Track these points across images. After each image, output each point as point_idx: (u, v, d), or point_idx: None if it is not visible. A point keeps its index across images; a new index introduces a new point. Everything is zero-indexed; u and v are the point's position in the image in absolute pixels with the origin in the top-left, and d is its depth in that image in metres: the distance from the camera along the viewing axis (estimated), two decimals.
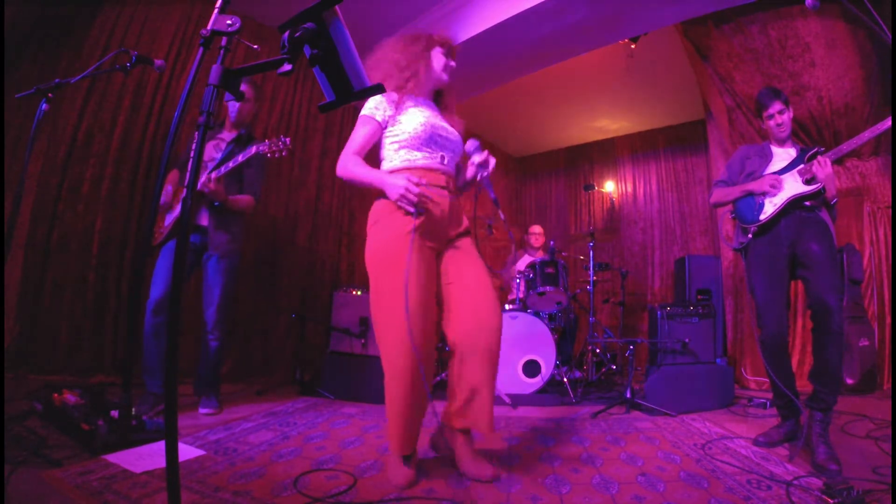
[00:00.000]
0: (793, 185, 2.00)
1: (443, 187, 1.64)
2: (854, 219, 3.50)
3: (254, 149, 2.18)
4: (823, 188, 1.93)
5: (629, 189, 6.13)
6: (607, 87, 4.98)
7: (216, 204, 2.33)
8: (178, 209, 2.36)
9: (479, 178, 1.67)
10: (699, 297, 3.62)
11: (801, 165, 2.00)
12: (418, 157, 1.63)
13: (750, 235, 2.08)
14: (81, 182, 2.93)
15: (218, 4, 0.93)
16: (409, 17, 3.84)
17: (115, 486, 1.34)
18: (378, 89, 1.03)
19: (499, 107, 5.28)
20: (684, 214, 5.62)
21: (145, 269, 2.47)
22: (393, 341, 1.49)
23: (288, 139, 2.17)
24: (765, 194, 2.05)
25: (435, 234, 1.62)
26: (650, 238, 5.82)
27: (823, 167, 1.89)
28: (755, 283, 2.03)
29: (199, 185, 2.20)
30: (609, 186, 6.18)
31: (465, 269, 1.65)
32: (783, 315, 1.97)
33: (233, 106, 2.49)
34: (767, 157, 2.14)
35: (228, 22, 0.90)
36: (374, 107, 1.64)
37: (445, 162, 1.68)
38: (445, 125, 1.71)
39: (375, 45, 1.74)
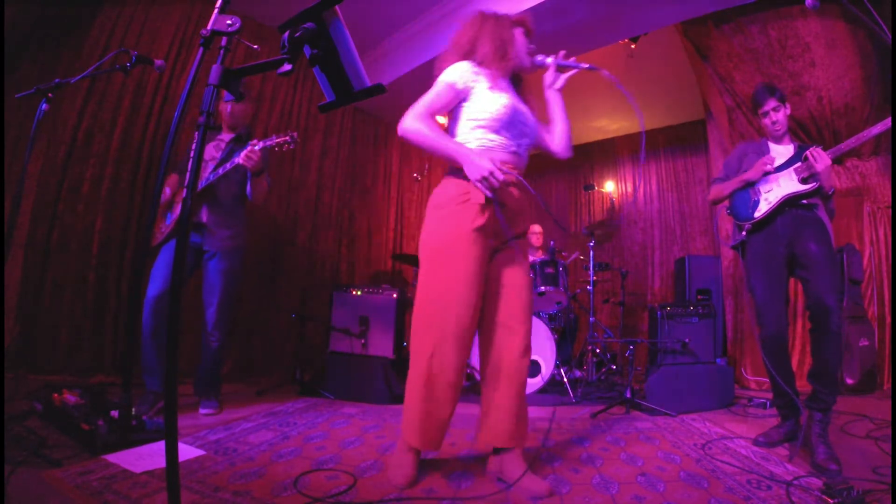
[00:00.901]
0: (788, 184, 1.99)
1: (515, 182, 1.55)
2: (854, 219, 3.50)
3: (260, 144, 2.18)
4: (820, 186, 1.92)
5: (629, 189, 6.13)
6: (607, 87, 4.97)
7: (249, 175, 2.32)
8: (178, 209, 2.36)
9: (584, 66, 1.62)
10: (699, 297, 3.62)
11: (798, 164, 1.98)
12: (495, 141, 1.52)
13: (744, 233, 2.08)
14: (81, 182, 2.94)
15: (218, 4, 0.93)
16: (409, 17, 3.84)
17: (115, 486, 1.34)
18: (378, 89, 1.03)
19: None
20: (684, 214, 5.62)
21: (145, 269, 2.47)
22: (437, 338, 1.44)
23: (295, 133, 2.17)
24: (765, 175, 2.04)
25: (499, 233, 1.55)
26: (650, 238, 5.82)
27: (821, 160, 1.87)
28: (754, 283, 2.03)
29: (240, 158, 2.19)
30: (609, 186, 6.18)
31: (513, 280, 1.58)
32: (783, 313, 1.98)
33: (225, 108, 2.47)
34: (766, 152, 2.12)
35: (228, 22, 0.90)
36: (459, 75, 1.52)
37: (522, 151, 1.59)
38: (525, 111, 1.62)
39: (461, 20, 1.67)
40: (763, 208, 2.02)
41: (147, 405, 2.19)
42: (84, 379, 2.70)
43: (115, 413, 1.73)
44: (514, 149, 1.56)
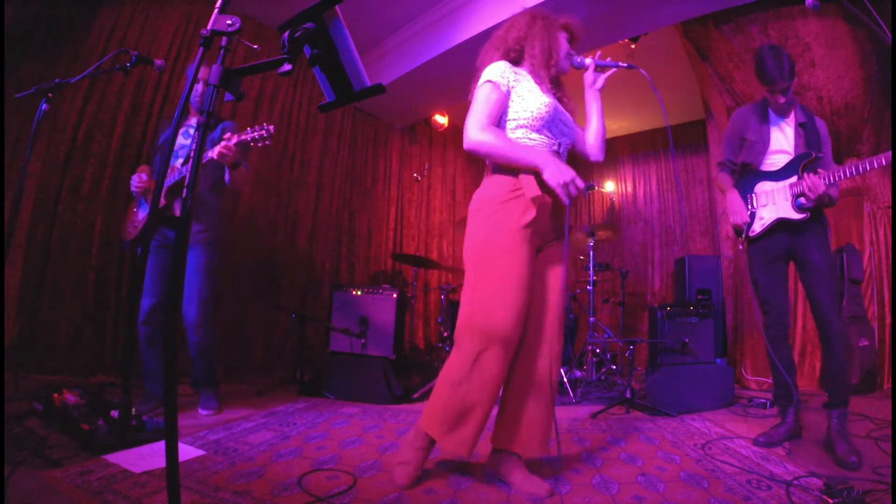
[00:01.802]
0: (783, 205, 2.01)
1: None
2: (854, 219, 3.50)
3: (235, 138, 2.08)
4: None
5: (629, 189, 6.13)
6: (607, 87, 4.97)
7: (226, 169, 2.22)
8: (149, 204, 2.32)
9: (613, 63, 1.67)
10: (699, 297, 3.62)
11: (794, 178, 1.99)
12: (536, 141, 1.51)
13: (741, 247, 2.15)
14: (81, 182, 2.94)
15: (218, 4, 0.92)
16: (409, 16, 3.84)
17: (116, 486, 1.34)
18: (378, 89, 1.03)
19: None
20: (684, 214, 5.62)
21: (145, 268, 2.45)
22: (485, 343, 1.41)
23: (272, 127, 2.05)
24: (760, 179, 2.09)
25: (542, 233, 1.54)
26: (650, 238, 5.83)
27: (814, 191, 1.88)
28: (757, 274, 2.09)
29: (214, 153, 2.09)
30: (609, 186, 6.18)
31: (555, 284, 1.57)
32: (784, 299, 2.08)
33: (196, 89, 2.35)
34: (766, 140, 2.10)
35: (228, 22, 0.90)
36: (500, 74, 1.48)
37: (562, 150, 1.59)
38: (564, 111, 1.62)
39: (510, 16, 1.66)
40: (757, 228, 2.07)
41: (148, 406, 2.20)
42: (84, 379, 2.70)
43: (115, 413, 1.73)
44: (555, 147, 1.55)
